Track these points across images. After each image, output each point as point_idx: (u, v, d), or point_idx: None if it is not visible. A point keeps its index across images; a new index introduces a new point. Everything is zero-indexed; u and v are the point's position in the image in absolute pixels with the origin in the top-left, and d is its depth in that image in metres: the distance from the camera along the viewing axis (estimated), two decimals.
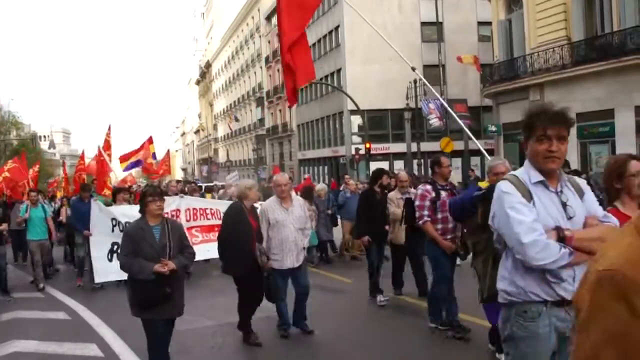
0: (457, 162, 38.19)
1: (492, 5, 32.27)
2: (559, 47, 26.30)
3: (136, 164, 22.27)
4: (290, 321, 8.21)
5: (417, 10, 45.32)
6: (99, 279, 11.80)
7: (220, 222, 12.89)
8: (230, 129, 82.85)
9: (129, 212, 11.57)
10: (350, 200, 14.91)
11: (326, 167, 52.25)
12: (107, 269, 11.46)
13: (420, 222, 7.84)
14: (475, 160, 39.67)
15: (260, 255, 7.67)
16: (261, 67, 69.95)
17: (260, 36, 70.04)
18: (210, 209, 13.63)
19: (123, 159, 22.79)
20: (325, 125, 52.13)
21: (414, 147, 38.17)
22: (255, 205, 12.32)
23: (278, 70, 62.67)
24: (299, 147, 58.90)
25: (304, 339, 8.07)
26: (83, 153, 21.96)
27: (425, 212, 7.82)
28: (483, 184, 6.86)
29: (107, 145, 17.50)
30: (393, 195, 10.52)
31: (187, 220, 13.00)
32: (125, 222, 11.42)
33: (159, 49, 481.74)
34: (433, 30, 40.53)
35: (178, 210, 13.15)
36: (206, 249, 12.35)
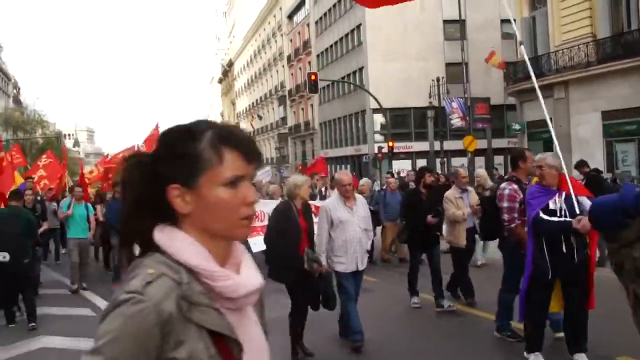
0: (480, 161, 38.01)
1: (516, 2, 32.00)
2: (584, 45, 26.01)
3: None
4: (360, 328, 7.36)
5: (440, 8, 45.08)
6: None
7: (263, 223, 11.81)
8: (253, 128, 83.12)
9: None
10: (392, 200, 14.22)
11: (349, 166, 52.19)
12: None
13: (512, 225, 6.94)
14: (498, 159, 39.45)
15: (308, 260, 7.03)
16: (283, 66, 70.07)
17: (282, 35, 70.18)
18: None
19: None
20: (347, 123, 52.10)
21: (436, 146, 38.01)
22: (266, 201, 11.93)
23: (300, 69, 62.79)
24: (322, 145, 58.90)
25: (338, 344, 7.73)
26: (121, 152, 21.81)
27: (516, 215, 6.96)
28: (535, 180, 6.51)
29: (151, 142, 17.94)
30: (451, 194, 9.66)
31: None
32: None
33: (181, 48, 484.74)
34: (456, 28, 40.29)
35: None
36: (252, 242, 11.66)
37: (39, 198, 14.64)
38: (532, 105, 31.01)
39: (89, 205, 13.27)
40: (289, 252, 6.98)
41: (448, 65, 43.66)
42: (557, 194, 6.19)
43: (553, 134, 6.93)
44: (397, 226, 12.55)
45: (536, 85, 6.62)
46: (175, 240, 1.46)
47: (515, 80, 31.45)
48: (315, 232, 7.50)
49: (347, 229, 7.30)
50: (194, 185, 1.45)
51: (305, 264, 7.00)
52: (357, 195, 7.93)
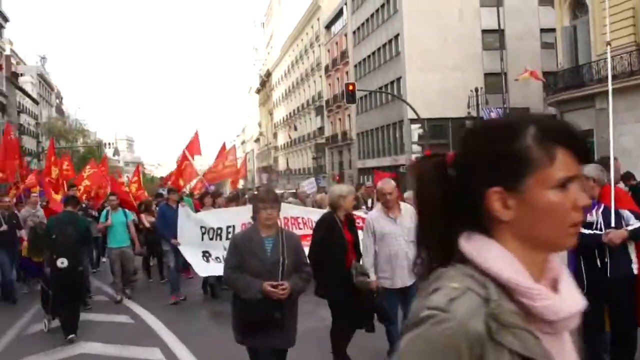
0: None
1: (556, 11, 31.62)
2: (627, 53, 25.54)
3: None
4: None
5: (478, 17, 44.78)
6: (203, 273, 11.32)
7: (311, 231, 12.58)
8: (290, 138, 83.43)
9: (219, 218, 11.45)
10: None
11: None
12: (207, 266, 11.02)
13: None
14: None
15: (356, 275, 6.62)
16: (320, 76, 70.26)
17: (319, 45, 70.43)
18: (303, 217, 12.37)
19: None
20: (385, 133, 51.95)
21: None
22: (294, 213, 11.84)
23: (337, 79, 62.91)
24: (359, 155, 58.83)
25: None
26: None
27: None
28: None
29: (193, 149, 18.27)
30: None
31: None
32: (217, 229, 11.14)
33: (220, 59, 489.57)
34: (495, 38, 39.90)
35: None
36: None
37: (83, 205, 14.69)
38: (573, 116, 30.56)
39: (126, 211, 13.06)
40: (335, 266, 6.61)
41: (487, 75, 43.27)
42: (596, 206, 6.06)
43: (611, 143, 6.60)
44: None
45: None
46: (486, 251, 1.31)
47: (556, 90, 31.02)
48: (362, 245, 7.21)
49: (390, 242, 6.87)
50: (520, 188, 1.30)
51: (354, 278, 6.60)
52: (404, 205, 7.29)
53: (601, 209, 6.00)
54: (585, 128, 29.26)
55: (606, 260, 5.90)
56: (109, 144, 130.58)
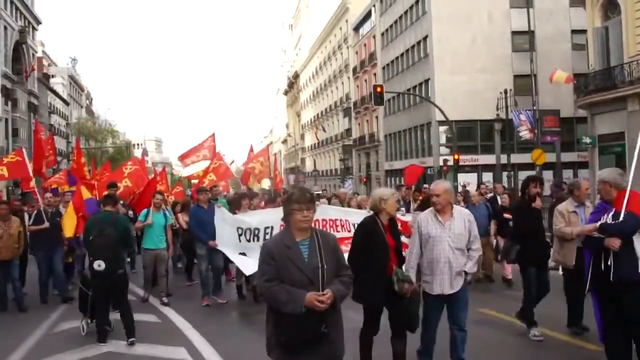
0: (549, 174, 37.12)
1: (588, 12, 31.23)
2: None
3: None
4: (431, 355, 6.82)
5: (508, 19, 44.42)
6: (249, 271, 10.77)
7: (349, 234, 11.47)
8: (317, 139, 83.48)
9: (256, 219, 11.18)
10: (476, 214, 13.47)
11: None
12: (248, 263, 10.60)
13: None
14: (567, 173, 38.44)
15: (398, 281, 6.32)
16: (349, 78, 70.23)
17: (348, 47, 70.40)
18: (341, 219, 11.93)
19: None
20: (412, 135, 51.75)
21: (503, 159, 37.33)
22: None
23: (365, 80, 62.81)
24: (386, 157, 58.69)
25: None
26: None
27: None
28: None
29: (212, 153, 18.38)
30: (564, 207, 8.28)
31: None
32: (254, 229, 10.93)
33: (248, 61, 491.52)
34: (525, 40, 39.54)
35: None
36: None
37: (121, 202, 14.32)
38: (604, 118, 30.18)
39: (167, 214, 12.59)
40: (376, 272, 6.33)
41: (516, 77, 42.89)
42: (607, 210, 6.19)
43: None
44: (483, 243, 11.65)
45: None
46: None
47: (587, 92, 30.63)
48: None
49: (434, 246, 6.60)
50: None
51: (395, 285, 6.30)
52: (459, 210, 6.96)
53: (612, 213, 6.08)
54: (617, 131, 28.85)
55: (609, 264, 5.95)
56: (138, 144, 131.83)
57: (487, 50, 43.95)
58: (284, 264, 4.38)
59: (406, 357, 6.56)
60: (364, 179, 62.86)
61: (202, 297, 11.57)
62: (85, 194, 12.92)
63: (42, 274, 12.23)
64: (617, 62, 28.25)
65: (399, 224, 12.75)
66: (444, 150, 45.09)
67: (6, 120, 54.21)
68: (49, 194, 13.01)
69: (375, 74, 60.26)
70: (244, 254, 10.84)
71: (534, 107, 35.71)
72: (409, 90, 49.18)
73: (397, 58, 54.82)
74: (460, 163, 35.71)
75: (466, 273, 6.67)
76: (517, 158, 37.90)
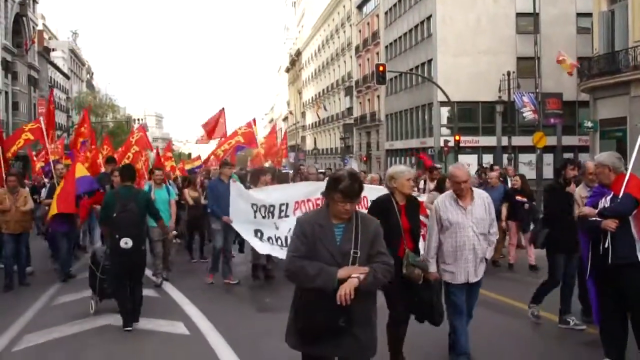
0: (549, 158, 37.10)
1: None
2: None
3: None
4: (465, 349, 6.32)
5: (513, 0, 44.11)
6: (264, 250, 10.78)
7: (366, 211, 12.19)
8: (318, 117, 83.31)
9: (271, 195, 10.91)
10: (493, 196, 12.61)
11: (413, 159, 51.74)
12: (264, 245, 10.62)
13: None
14: (567, 156, 38.36)
15: (407, 265, 6.00)
16: (351, 56, 69.91)
17: (351, 25, 69.98)
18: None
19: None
20: (414, 116, 51.64)
21: (504, 141, 37.25)
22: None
23: (368, 59, 62.53)
24: (387, 137, 58.60)
25: None
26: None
27: None
28: None
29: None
30: (577, 192, 7.69)
31: None
32: (269, 206, 10.67)
33: (250, 38, 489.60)
34: (529, 22, 39.28)
35: (323, 199, 11.52)
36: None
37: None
38: (606, 103, 30.09)
39: (171, 188, 12.21)
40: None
41: (520, 59, 42.71)
42: (606, 194, 6.16)
43: None
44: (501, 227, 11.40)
45: None
46: None
47: (590, 76, 30.50)
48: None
49: (457, 233, 6.19)
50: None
51: (404, 268, 5.97)
52: (478, 192, 6.49)
53: (610, 196, 6.05)
54: (618, 115, 28.79)
55: (607, 246, 5.96)
56: (138, 119, 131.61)
57: (490, 32, 43.71)
58: (314, 243, 4.09)
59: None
60: (364, 158, 62.83)
61: (208, 273, 11.36)
62: (80, 171, 12.18)
63: (61, 250, 11.73)
64: (622, 47, 28.09)
65: None
66: (444, 131, 45.01)
67: (6, 93, 54.00)
68: (60, 165, 12.43)
69: (377, 53, 59.96)
70: (259, 230, 10.62)
71: (537, 90, 35.54)
72: (411, 70, 48.96)
73: (400, 37, 54.52)
74: (461, 144, 35.66)
75: (486, 260, 6.41)
76: (517, 140, 37.83)
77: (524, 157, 40.69)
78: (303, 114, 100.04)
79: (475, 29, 43.87)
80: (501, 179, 14.23)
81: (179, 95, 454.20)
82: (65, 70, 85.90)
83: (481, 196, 6.38)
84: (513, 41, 43.89)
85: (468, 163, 36.42)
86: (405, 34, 53.28)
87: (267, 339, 7.19)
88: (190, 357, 7.02)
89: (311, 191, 11.08)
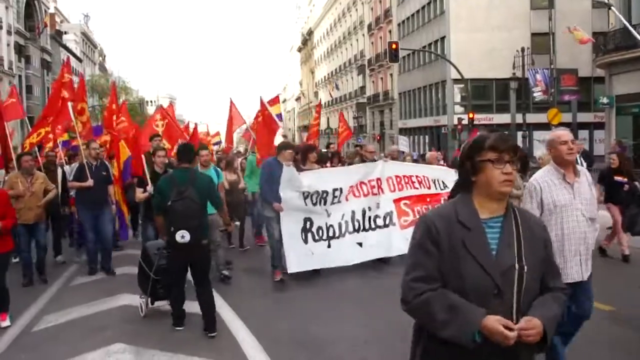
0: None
1: None
2: None
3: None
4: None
5: None
6: (292, 268, 9.58)
7: (429, 191, 11.05)
8: (331, 97, 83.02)
9: (323, 179, 10.06)
10: None
11: (427, 137, 51.54)
12: (302, 254, 9.68)
13: None
14: (583, 134, 38.07)
15: None
16: (363, 35, 69.47)
17: (362, 3, 69.46)
18: (417, 175, 10.98)
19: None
20: (427, 94, 51.33)
21: (518, 118, 36.98)
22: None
23: (380, 37, 62.10)
24: (400, 115, 58.34)
25: None
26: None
27: None
28: None
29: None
30: None
31: (392, 191, 10.67)
32: (322, 192, 9.86)
33: (262, 17, 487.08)
34: None
35: (379, 179, 10.59)
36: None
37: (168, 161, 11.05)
38: (622, 78, 29.76)
39: (219, 170, 10.89)
40: None
41: (534, 35, 42.22)
42: None
43: None
44: None
45: None
46: None
47: (606, 51, 30.13)
48: None
49: (564, 219, 4.93)
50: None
51: None
52: (581, 168, 5.17)
53: None
54: (635, 91, 28.47)
55: None
56: (151, 101, 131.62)
57: (504, 8, 43.21)
58: (454, 254, 2.59)
59: None
60: (378, 137, 62.64)
61: (273, 271, 9.82)
62: (124, 151, 11.17)
63: (89, 240, 10.50)
64: (639, 21, 27.69)
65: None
66: (458, 109, 44.73)
67: (19, 77, 54.20)
68: (95, 144, 10.95)
69: (390, 31, 59.52)
70: (309, 219, 9.80)
71: (551, 66, 35.22)
72: (424, 47, 48.57)
73: (412, 15, 54.05)
74: (475, 122, 35.43)
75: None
76: (532, 118, 37.53)
77: (538, 135, 40.40)
78: (316, 94, 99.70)
79: (489, 4, 43.38)
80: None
81: (192, 77, 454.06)
82: (78, 53, 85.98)
83: (584, 172, 5.17)
84: (527, 17, 43.35)
85: None
86: (417, 11, 52.81)
87: None
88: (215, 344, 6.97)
89: (365, 173, 10.55)
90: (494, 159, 2.64)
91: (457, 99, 45.86)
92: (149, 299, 7.68)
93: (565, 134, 4.99)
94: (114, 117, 13.53)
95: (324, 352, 6.37)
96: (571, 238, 4.94)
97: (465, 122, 35.87)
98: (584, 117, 40.11)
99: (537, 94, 37.33)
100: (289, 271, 9.60)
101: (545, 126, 33.94)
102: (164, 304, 7.68)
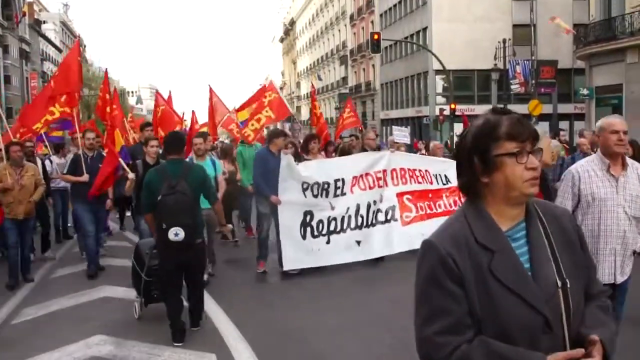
0: (545, 126, 37.00)
1: None
2: None
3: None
4: None
5: None
6: (287, 265, 9.24)
7: (431, 186, 10.53)
8: (313, 87, 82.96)
9: (325, 170, 9.60)
10: None
11: (409, 127, 51.59)
12: (299, 250, 9.27)
13: None
14: (564, 125, 38.34)
15: None
16: (345, 25, 69.36)
17: None
18: (420, 169, 10.44)
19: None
20: (409, 84, 51.41)
21: None
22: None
23: (362, 28, 62.05)
24: (382, 106, 58.43)
25: None
26: None
27: None
28: None
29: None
30: None
31: (395, 185, 10.19)
32: (323, 183, 9.39)
33: (244, 7, 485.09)
34: None
35: (384, 171, 10.08)
36: (420, 233, 9.33)
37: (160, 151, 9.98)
38: (602, 70, 29.99)
39: (216, 161, 9.96)
40: None
41: (515, 26, 42.37)
42: None
43: None
44: None
45: None
46: None
47: (586, 43, 30.34)
48: None
49: (602, 213, 4.50)
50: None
51: None
52: (631, 161, 4.66)
53: None
54: (614, 83, 28.72)
55: None
56: (132, 92, 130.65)
57: None
58: (483, 289, 1.93)
59: None
60: (360, 128, 62.55)
61: (257, 261, 9.60)
62: (119, 140, 10.63)
63: (88, 235, 9.72)
64: (618, 13, 27.91)
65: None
66: (440, 99, 44.87)
67: None
68: (91, 134, 10.21)
69: (372, 22, 59.47)
70: (309, 212, 9.32)
71: (532, 58, 35.39)
72: (406, 38, 48.62)
73: (395, 5, 54.05)
74: (457, 113, 35.57)
75: (636, 253, 4.74)
76: (513, 108, 35.79)
77: None
78: (298, 84, 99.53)
79: None
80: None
81: (173, 67, 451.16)
82: (57, 42, 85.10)
83: (636, 167, 4.63)
84: (509, 8, 43.51)
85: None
86: (400, 2, 52.81)
87: None
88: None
89: (371, 164, 10.00)
90: (516, 152, 1.99)
91: (439, 89, 45.99)
92: (143, 301, 7.17)
93: (618, 122, 4.50)
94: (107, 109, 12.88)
95: (306, 342, 6.40)
96: (607, 236, 4.52)
97: (447, 112, 36.00)
98: (564, 108, 40.39)
99: (515, 87, 37.55)
100: (284, 268, 9.26)
101: (526, 117, 34.11)
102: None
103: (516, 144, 1.98)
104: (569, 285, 1.98)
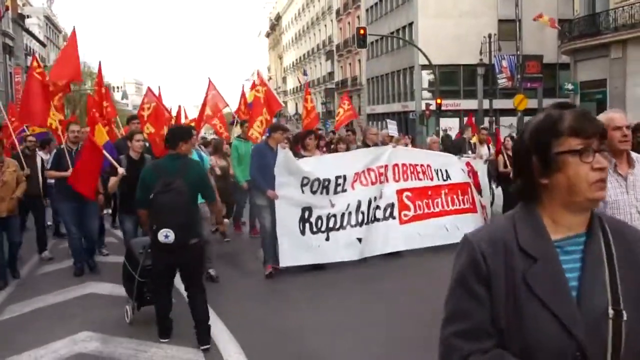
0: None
1: None
2: None
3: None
4: None
5: None
6: (285, 262, 8.90)
7: (432, 183, 10.40)
8: (299, 82, 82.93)
9: (325, 166, 9.36)
10: None
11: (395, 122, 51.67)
12: (297, 247, 8.97)
13: None
14: None
15: None
16: (332, 20, 69.32)
17: None
18: (422, 164, 10.22)
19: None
20: (395, 79, 51.47)
21: (485, 104, 37.34)
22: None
23: (349, 23, 62.04)
24: (368, 101, 58.48)
25: None
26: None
27: None
28: None
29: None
30: None
31: (396, 181, 9.98)
32: (324, 180, 9.11)
33: (229, 2, 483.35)
34: None
35: (386, 166, 9.86)
36: (416, 232, 9.67)
37: (147, 145, 10.13)
38: (586, 65, 30.19)
39: (203, 155, 9.79)
40: None
41: (501, 22, 42.52)
42: None
43: None
44: None
45: None
46: None
47: (571, 38, 30.53)
48: None
49: (616, 217, 3.68)
50: None
51: None
52: (637, 156, 4.16)
53: None
54: (598, 78, 28.92)
55: None
56: (118, 87, 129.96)
57: None
58: (514, 299, 1.72)
59: None
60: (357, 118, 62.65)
61: (264, 265, 9.12)
62: (101, 135, 10.04)
63: (72, 236, 9.37)
64: (603, 9, 28.10)
65: (469, 173, 10.81)
66: (426, 94, 44.96)
67: None
68: (75, 127, 9.76)
69: (358, 17, 59.47)
70: (307, 209, 9.07)
71: (518, 53, 35.56)
72: (392, 33, 48.65)
73: (381, 0, 54.04)
74: (443, 108, 35.69)
75: None
76: (499, 103, 37.89)
77: (505, 120, 40.85)
78: (284, 79, 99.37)
79: None
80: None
81: (158, 62, 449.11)
82: (41, 37, 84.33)
83: None
84: (494, 3, 43.64)
85: (449, 127, 36.63)
86: None
87: None
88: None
89: (373, 159, 9.78)
90: (580, 149, 1.74)
91: (425, 84, 46.07)
92: (136, 304, 6.77)
93: (619, 117, 4.06)
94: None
95: (300, 341, 6.37)
96: None
97: (433, 107, 36.09)
98: (549, 102, 40.26)
99: (502, 81, 37.72)
100: (281, 265, 8.91)
101: (512, 112, 34.34)
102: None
103: (580, 140, 1.73)
104: (624, 318, 1.66)
